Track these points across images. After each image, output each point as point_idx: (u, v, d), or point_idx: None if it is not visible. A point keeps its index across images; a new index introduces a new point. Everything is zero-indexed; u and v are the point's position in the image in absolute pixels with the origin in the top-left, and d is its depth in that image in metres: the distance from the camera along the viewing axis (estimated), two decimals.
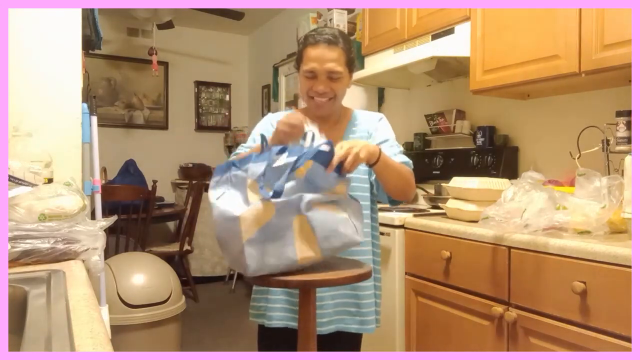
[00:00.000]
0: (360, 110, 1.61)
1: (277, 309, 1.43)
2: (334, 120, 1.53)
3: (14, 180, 1.24)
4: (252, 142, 1.51)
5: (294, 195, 1.10)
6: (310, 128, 1.23)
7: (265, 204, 1.09)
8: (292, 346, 1.31)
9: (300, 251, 1.12)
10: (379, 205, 1.62)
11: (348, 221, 1.17)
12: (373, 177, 1.46)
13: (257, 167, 1.13)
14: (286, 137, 1.23)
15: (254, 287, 1.50)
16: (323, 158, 1.13)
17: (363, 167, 1.45)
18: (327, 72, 1.40)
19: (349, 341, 1.52)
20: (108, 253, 2.64)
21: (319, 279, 1.15)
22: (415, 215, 2.11)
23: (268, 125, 1.52)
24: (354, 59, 1.50)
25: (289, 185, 1.11)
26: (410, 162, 1.46)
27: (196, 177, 4.48)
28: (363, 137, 1.50)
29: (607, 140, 1.77)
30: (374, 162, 1.27)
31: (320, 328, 1.39)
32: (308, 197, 1.11)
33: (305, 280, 1.14)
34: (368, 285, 1.46)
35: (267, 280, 1.13)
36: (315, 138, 1.21)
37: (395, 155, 1.44)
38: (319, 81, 1.41)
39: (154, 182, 3.73)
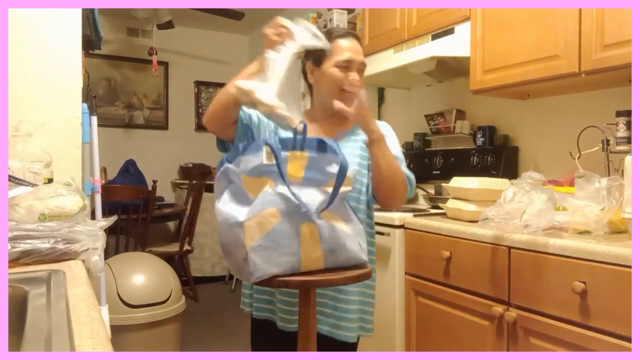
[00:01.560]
0: None
1: (262, 300, 1.44)
2: (341, 118, 1.50)
3: (14, 180, 1.23)
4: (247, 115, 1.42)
5: (303, 196, 1.11)
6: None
7: (270, 210, 1.10)
8: (272, 336, 1.41)
9: (305, 262, 1.14)
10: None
11: (353, 238, 1.19)
12: (367, 181, 1.45)
13: (247, 162, 1.13)
14: (275, 42, 1.26)
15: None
16: (323, 147, 1.16)
17: (360, 176, 1.44)
18: (360, 63, 1.43)
19: (331, 347, 1.39)
20: (108, 253, 2.64)
21: (319, 278, 1.15)
22: (415, 215, 2.11)
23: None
24: None
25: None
26: (412, 177, 1.45)
27: (196, 177, 4.48)
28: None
29: (607, 140, 1.77)
30: (374, 139, 1.32)
31: (293, 325, 1.35)
32: (316, 204, 1.13)
33: (305, 280, 1.14)
34: (352, 290, 1.40)
35: (268, 280, 1.13)
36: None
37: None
38: (353, 72, 1.40)
39: (154, 182, 3.72)
